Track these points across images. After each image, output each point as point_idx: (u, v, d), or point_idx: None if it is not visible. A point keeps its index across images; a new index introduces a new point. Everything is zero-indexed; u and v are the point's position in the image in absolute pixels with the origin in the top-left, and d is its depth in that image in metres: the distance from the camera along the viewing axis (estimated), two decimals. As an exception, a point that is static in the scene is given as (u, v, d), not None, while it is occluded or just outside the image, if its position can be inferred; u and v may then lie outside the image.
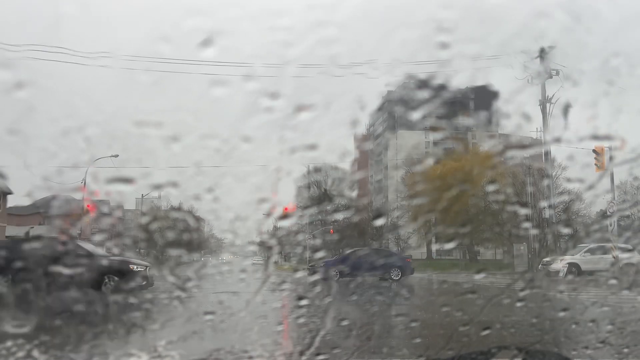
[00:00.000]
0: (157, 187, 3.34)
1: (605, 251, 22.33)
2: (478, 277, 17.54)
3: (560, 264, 21.75)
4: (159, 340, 2.89)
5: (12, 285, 9.29)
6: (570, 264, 21.51)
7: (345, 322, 2.65)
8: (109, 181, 3.12)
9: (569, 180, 32.62)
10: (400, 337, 3.65)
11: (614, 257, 20.51)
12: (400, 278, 19.33)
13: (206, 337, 3.25)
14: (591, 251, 22.00)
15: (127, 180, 3.02)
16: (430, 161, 46.44)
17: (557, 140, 2.96)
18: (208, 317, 3.74)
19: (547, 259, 23.42)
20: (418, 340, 2.91)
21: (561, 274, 20.05)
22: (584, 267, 21.44)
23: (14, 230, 31.89)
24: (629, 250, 22.40)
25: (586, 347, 2.58)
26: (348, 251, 22.57)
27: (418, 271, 22.33)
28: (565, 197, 33.67)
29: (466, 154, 37.87)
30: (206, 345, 3.05)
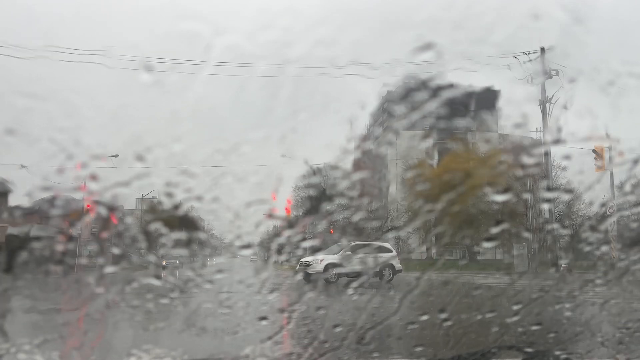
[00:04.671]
0: (169, 184, 3.30)
1: (369, 250, 18.74)
2: (466, 279, 17.19)
3: (320, 264, 19.47)
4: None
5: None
6: (329, 264, 19.29)
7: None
8: (108, 181, 3.11)
9: (568, 182, 32.64)
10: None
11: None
12: None
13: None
14: (353, 249, 18.97)
15: (126, 182, 3.01)
16: (430, 161, 46.44)
17: (557, 140, 2.97)
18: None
19: (307, 258, 20.47)
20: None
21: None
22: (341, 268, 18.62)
23: (15, 231, 31.86)
24: (388, 250, 20.72)
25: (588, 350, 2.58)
26: None
27: (417, 270, 22.13)
28: (566, 197, 33.66)
29: (466, 153, 37.89)
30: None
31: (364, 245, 18.84)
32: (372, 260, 17.62)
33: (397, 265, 20.98)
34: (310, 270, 19.46)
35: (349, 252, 19.10)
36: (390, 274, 19.92)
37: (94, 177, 2.95)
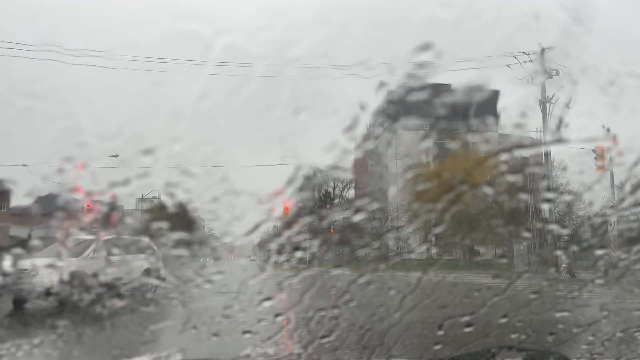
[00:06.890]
0: (170, 184, 3.29)
1: (128, 248, 12.41)
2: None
3: (55, 274, 10.30)
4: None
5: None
6: (74, 274, 10.52)
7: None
8: (108, 181, 3.12)
9: (567, 182, 32.66)
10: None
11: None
12: None
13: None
14: (108, 248, 12.03)
15: (126, 181, 3.02)
16: (430, 161, 46.48)
17: (557, 140, 2.98)
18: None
19: (17, 264, 8.45)
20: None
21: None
22: (90, 279, 9.73)
23: (17, 231, 31.92)
24: (150, 249, 13.04)
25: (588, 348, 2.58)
26: None
27: (417, 270, 21.97)
28: (567, 197, 33.72)
29: (466, 154, 37.90)
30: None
31: (120, 241, 12.39)
32: (134, 265, 12.33)
33: (162, 270, 12.74)
34: (31, 287, 10.31)
35: (104, 252, 12.21)
36: (152, 286, 12.03)
37: (92, 177, 2.95)
